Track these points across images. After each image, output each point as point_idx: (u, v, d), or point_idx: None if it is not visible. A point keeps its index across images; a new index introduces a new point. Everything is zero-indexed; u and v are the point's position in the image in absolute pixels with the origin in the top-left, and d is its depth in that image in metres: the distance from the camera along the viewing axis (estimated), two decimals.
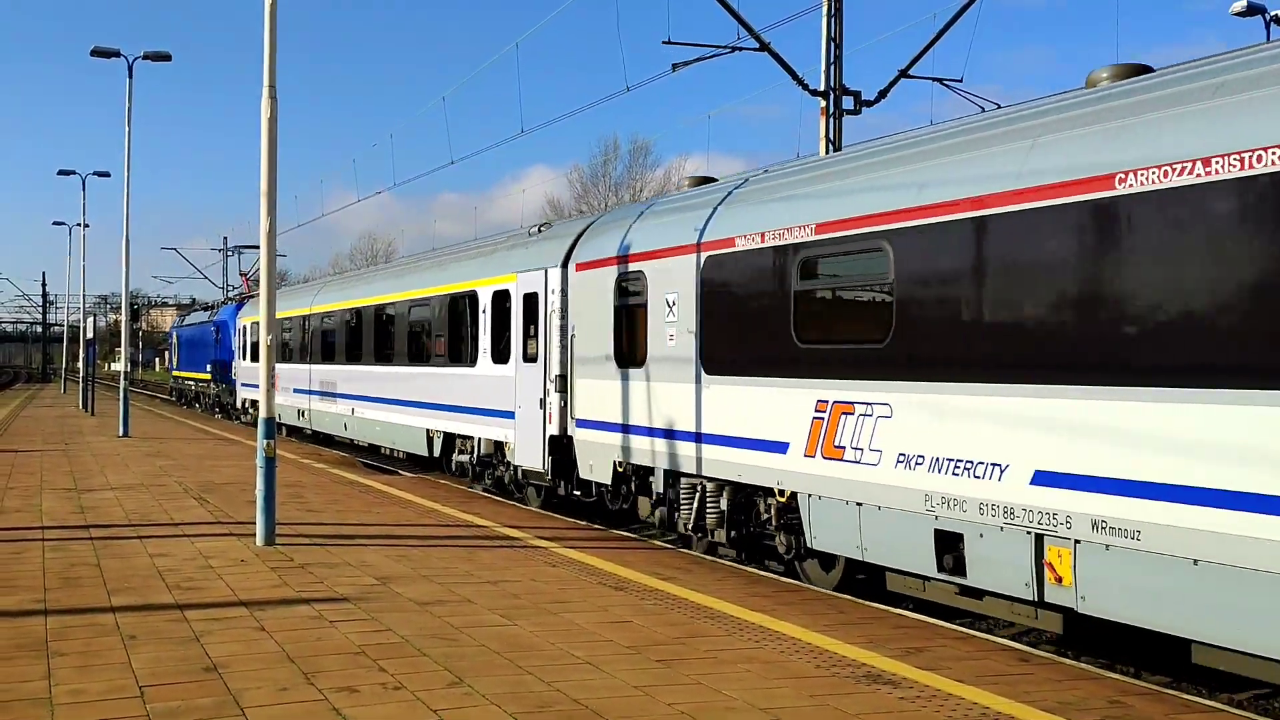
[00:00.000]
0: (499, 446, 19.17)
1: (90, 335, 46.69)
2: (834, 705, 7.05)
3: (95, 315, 62.36)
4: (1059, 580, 8.76)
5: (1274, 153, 7.44)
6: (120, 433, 30.47)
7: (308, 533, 13.69)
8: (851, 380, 10.85)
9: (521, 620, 9.19)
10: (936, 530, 9.80)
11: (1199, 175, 7.84)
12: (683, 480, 13.64)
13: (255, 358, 35.70)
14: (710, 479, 13.08)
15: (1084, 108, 9.14)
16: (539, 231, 19.44)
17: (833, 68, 21.61)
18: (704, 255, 13.10)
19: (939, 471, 9.77)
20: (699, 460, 13.16)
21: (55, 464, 22.06)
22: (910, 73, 21.66)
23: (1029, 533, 8.93)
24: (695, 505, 13.37)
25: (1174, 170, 7.99)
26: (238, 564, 11.53)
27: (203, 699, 6.89)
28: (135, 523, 14.31)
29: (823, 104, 21.65)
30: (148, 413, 44.79)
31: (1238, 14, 27.77)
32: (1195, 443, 7.79)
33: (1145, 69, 9.47)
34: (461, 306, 20.58)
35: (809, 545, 11.63)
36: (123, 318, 37.39)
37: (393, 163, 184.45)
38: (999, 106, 14.02)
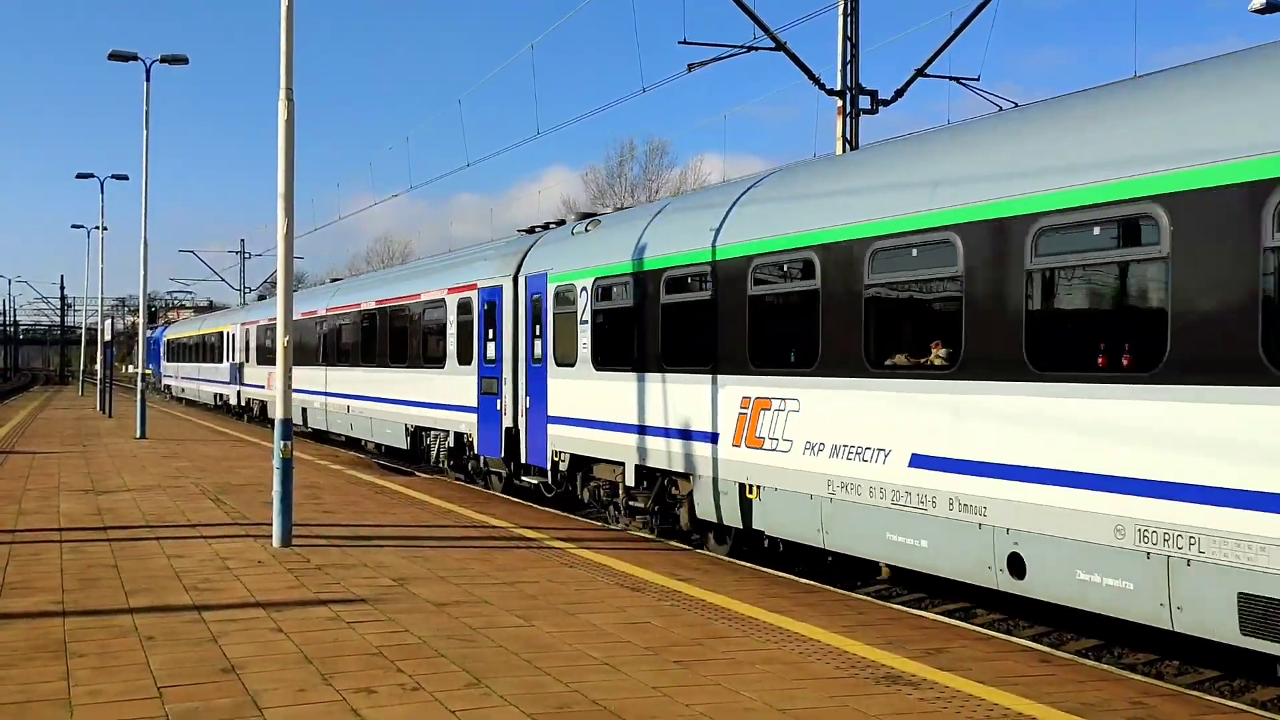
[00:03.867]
0: (248, 400, 42.96)
1: (108, 337, 46.91)
2: (854, 706, 7.01)
3: (113, 318, 62.95)
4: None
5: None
6: (137, 434, 30.63)
7: (324, 534, 13.71)
8: (332, 366, 30.50)
9: (539, 621, 9.18)
10: (350, 421, 29.00)
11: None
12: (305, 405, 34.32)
13: (173, 359, 63.76)
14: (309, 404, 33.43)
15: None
16: (239, 307, 48.91)
17: (849, 67, 21.53)
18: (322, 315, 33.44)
19: (350, 398, 29.07)
20: (296, 401, 29.13)
21: (73, 465, 22.17)
22: (927, 72, 21.55)
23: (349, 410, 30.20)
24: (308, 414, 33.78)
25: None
26: (255, 565, 11.55)
27: (221, 700, 6.89)
28: (153, 524, 14.36)
29: (839, 104, 21.59)
30: (165, 415, 44.96)
31: (1256, 11, 27.65)
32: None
33: None
34: (220, 337, 48.06)
35: (326, 428, 31.34)
36: (140, 320, 37.60)
37: (409, 165, 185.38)
38: (1016, 105, 13.96)
